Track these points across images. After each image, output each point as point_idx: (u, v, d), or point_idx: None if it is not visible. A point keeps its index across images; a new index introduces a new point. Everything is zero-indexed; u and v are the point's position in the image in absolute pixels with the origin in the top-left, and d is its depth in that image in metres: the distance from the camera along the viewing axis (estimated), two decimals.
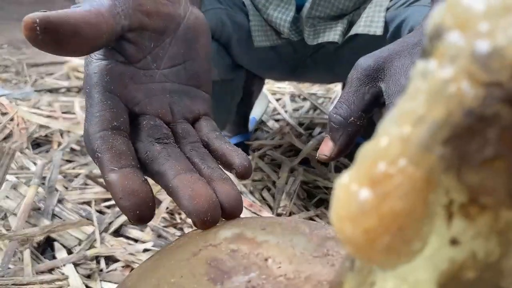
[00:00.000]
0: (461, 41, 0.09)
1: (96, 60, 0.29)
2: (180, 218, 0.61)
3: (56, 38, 0.24)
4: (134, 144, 0.29)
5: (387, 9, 0.63)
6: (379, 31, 0.62)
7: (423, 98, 0.10)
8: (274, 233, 0.24)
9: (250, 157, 0.86)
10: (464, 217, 0.11)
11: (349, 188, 0.12)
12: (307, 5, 0.65)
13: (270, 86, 1.28)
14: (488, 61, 0.09)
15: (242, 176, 0.31)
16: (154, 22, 0.30)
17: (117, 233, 0.58)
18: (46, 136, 0.88)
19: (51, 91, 1.21)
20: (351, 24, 0.68)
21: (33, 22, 0.23)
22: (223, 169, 0.31)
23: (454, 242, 0.11)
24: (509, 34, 0.09)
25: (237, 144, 0.88)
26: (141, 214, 0.26)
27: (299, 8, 0.67)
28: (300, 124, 1.04)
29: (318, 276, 0.20)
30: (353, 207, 0.11)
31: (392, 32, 0.61)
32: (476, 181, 0.10)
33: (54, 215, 0.59)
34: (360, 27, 0.64)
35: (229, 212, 0.28)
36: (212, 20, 0.62)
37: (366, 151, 0.12)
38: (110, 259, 0.52)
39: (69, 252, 0.53)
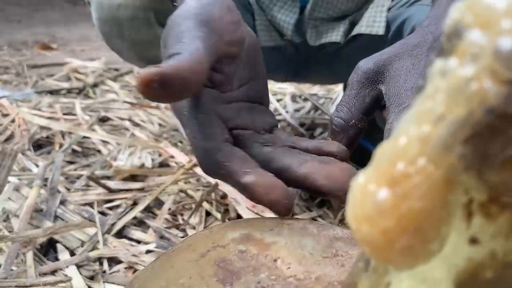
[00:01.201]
0: (483, 39, 0.09)
1: None
2: (183, 219, 0.61)
3: (169, 91, 0.24)
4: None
5: (389, 9, 0.63)
6: (381, 31, 0.62)
7: (443, 96, 0.10)
8: (282, 234, 0.24)
9: None
10: (484, 216, 0.11)
11: (367, 188, 0.11)
12: (309, 6, 0.65)
13: (271, 86, 1.28)
14: (511, 59, 0.09)
15: (345, 159, 0.32)
16: (231, 49, 0.31)
17: (120, 234, 0.57)
18: (47, 137, 0.87)
19: (52, 92, 1.20)
20: (353, 25, 0.68)
21: (150, 79, 0.23)
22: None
23: (473, 241, 0.11)
24: None
25: None
26: (289, 203, 0.27)
27: (301, 9, 0.67)
28: (301, 125, 1.04)
29: (328, 277, 0.20)
30: (370, 207, 0.11)
31: (394, 31, 0.61)
32: (497, 180, 0.10)
33: (56, 217, 0.59)
34: (362, 27, 0.64)
35: None
36: None
37: (383, 151, 0.12)
38: (113, 261, 0.52)
39: (72, 253, 0.53)
